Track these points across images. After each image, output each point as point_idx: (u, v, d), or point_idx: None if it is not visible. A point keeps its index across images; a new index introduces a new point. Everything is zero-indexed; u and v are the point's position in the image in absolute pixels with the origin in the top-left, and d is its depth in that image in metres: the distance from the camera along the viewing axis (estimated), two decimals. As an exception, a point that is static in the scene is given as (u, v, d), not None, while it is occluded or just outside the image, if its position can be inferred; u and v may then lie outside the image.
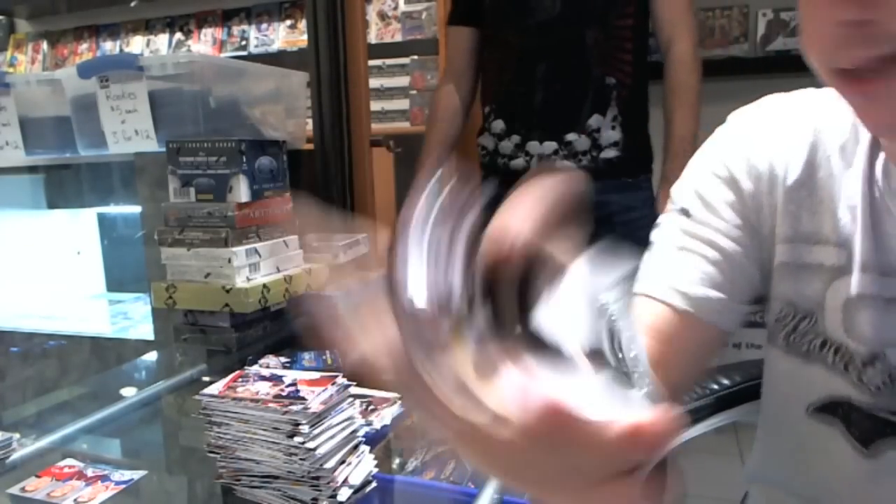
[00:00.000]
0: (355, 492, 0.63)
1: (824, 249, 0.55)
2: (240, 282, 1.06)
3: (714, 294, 0.58)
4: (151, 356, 1.27)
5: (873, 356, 0.53)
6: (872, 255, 0.52)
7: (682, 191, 0.62)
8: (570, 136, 1.48)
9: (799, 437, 0.59)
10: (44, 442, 0.80)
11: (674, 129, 1.50)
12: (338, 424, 0.64)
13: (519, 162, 1.53)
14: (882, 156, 0.52)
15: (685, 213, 0.61)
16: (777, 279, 0.58)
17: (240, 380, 0.68)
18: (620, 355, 0.29)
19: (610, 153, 1.48)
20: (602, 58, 1.46)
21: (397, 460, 0.75)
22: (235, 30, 2.88)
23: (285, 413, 0.61)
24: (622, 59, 1.47)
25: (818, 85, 0.47)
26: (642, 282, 0.61)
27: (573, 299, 0.30)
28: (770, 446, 0.65)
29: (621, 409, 0.26)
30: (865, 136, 0.53)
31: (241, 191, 1.06)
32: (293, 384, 0.66)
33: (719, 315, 0.59)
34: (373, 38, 2.57)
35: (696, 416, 0.83)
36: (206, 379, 0.99)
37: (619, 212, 1.52)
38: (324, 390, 0.64)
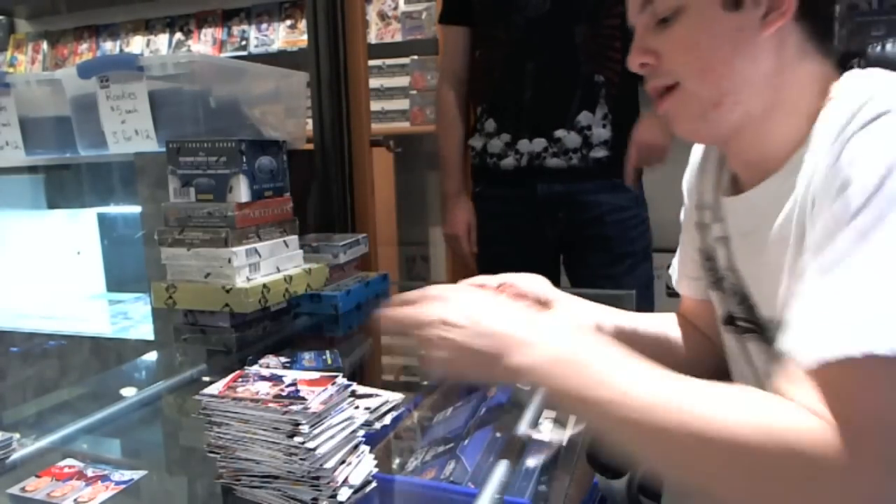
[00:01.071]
0: (355, 492, 0.63)
1: (707, 212, 0.84)
2: (240, 282, 1.06)
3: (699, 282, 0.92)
4: (151, 356, 1.27)
5: (723, 277, 0.80)
6: (718, 212, 0.80)
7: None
8: (560, 133, 1.47)
9: (727, 345, 0.83)
10: (44, 442, 0.79)
11: None
12: (338, 424, 0.64)
13: (509, 161, 1.52)
14: None
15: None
16: (695, 238, 0.88)
17: (240, 380, 0.68)
18: None
19: (600, 152, 1.48)
20: (591, 55, 1.46)
21: (397, 460, 0.75)
22: (235, 30, 2.88)
23: (285, 413, 0.61)
24: (611, 57, 1.47)
25: None
26: (674, 277, 0.98)
27: None
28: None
29: None
30: None
31: (241, 191, 1.06)
32: (293, 384, 0.66)
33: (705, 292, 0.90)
34: (373, 38, 2.57)
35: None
36: (206, 379, 0.99)
37: (609, 212, 1.52)
38: (324, 390, 0.64)
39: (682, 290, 0.96)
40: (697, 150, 0.89)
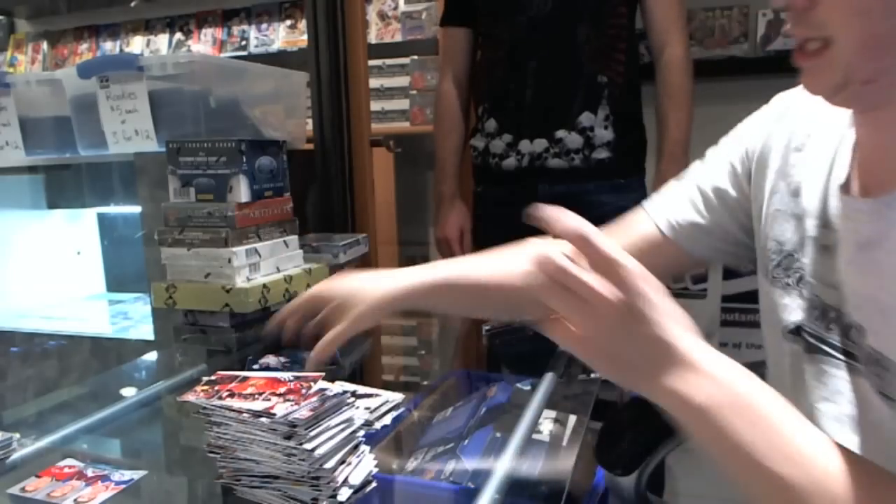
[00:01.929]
0: (355, 492, 0.63)
1: (804, 201, 0.70)
2: (240, 282, 1.06)
3: (695, 220, 0.81)
4: (151, 356, 1.27)
5: (805, 284, 0.68)
6: (819, 207, 0.67)
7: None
8: (561, 133, 1.47)
9: (777, 356, 0.73)
10: (44, 442, 0.79)
11: (668, 132, 1.50)
12: (337, 425, 0.64)
13: (510, 161, 1.52)
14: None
15: (703, 157, 0.84)
16: (770, 222, 0.73)
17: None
18: None
19: (602, 153, 1.47)
20: (594, 56, 1.45)
21: (397, 460, 0.75)
22: (235, 30, 2.88)
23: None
24: (614, 58, 1.47)
25: None
26: (652, 199, 0.87)
27: None
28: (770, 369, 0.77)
29: None
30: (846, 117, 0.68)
31: (241, 191, 1.06)
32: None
33: (694, 242, 0.82)
34: (373, 38, 2.57)
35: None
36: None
37: (611, 213, 1.51)
38: (322, 391, 0.64)
39: (659, 222, 0.85)
40: (799, 103, 0.75)
